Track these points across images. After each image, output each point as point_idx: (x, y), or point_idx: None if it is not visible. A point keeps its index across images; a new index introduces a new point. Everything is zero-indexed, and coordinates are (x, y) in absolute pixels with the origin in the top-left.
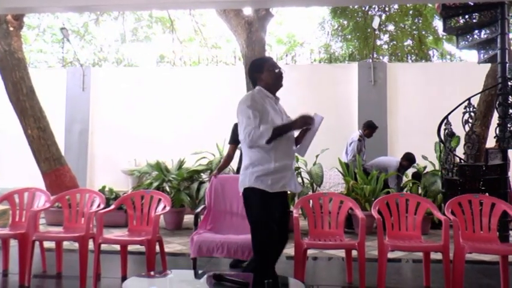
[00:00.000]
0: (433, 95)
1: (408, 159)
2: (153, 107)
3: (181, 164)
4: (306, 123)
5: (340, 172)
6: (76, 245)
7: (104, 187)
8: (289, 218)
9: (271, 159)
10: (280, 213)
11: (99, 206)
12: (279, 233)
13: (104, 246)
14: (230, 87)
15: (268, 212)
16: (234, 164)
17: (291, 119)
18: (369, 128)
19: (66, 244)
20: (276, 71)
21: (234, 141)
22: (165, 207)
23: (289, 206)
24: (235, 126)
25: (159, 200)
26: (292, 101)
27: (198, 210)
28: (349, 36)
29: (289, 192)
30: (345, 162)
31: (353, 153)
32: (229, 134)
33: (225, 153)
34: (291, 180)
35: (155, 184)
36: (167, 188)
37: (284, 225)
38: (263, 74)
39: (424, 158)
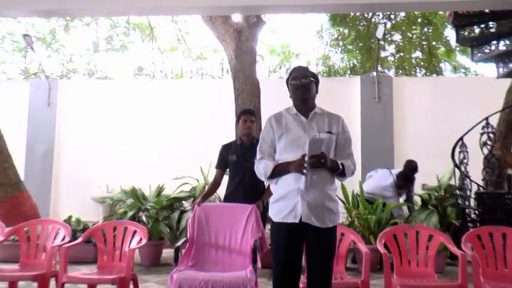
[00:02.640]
0: (445, 114)
1: (405, 176)
2: (129, 125)
3: (160, 190)
4: (301, 166)
5: (341, 200)
6: (35, 285)
7: (70, 217)
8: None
9: (277, 183)
10: (311, 254)
11: (63, 239)
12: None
13: (68, 286)
14: (217, 103)
15: (277, 247)
16: (221, 191)
17: (327, 137)
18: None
19: (22, 285)
20: (293, 82)
21: (222, 165)
22: (140, 240)
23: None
24: (224, 148)
25: (134, 231)
26: None
27: (179, 243)
28: (351, 47)
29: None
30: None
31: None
32: (215, 157)
33: (210, 178)
34: (296, 209)
35: (130, 213)
36: (144, 218)
37: (316, 273)
38: (289, 89)
39: (437, 185)
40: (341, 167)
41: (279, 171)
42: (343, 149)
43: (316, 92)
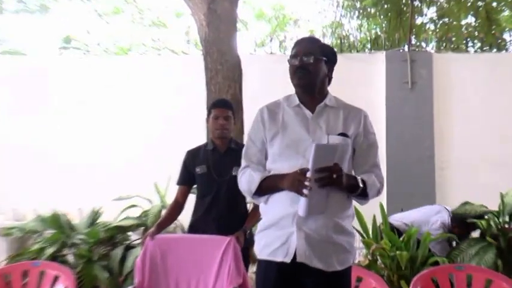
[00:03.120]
0: (509, 105)
1: (463, 224)
2: (48, 122)
3: (95, 216)
4: (300, 185)
5: (357, 231)
6: None
7: None
8: None
9: (268, 203)
10: None
11: None
12: None
13: None
14: (180, 89)
15: None
16: (185, 217)
17: (340, 142)
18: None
19: None
20: (291, 62)
21: (186, 180)
22: None
23: None
24: (189, 155)
25: (55, 278)
26: None
27: None
28: (373, 10)
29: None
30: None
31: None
32: (177, 169)
33: (169, 199)
34: (290, 242)
35: (50, 251)
36: (70, 258)
37: None
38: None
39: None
40: (362, 185)
41: (268, 186)
42: (365, 159)
43: (329, 76)
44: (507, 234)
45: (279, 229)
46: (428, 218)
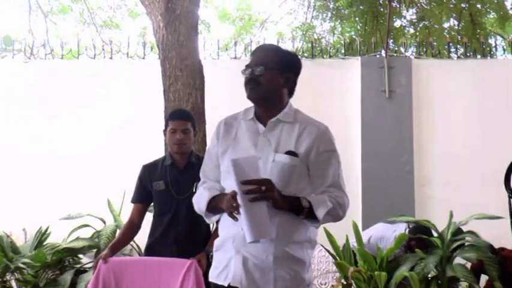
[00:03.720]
0: (494, 117)
1: (420, 235)
2: None
3: (42, 237)
4: (231, 207)
5: (330, 253)
6: None
7: None
8: None
9: (220, 223)
10: None
11: None
12: None
13: None
14: (135, 98)
15: None
16: (141, 238)
17: (285, 162)
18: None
19: None
20: (243, 73)
21: (142, 197)
22: None
23: None
24: (145, 170)
25: None
26: None
27: None
28: (347, 12)
29: None
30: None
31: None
32: (132, 185)
33: (124, 218)
34: (229, 267)
35: None
36: (14, 284)
37: None
38: None
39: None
40: (306, 205)
41: (214, 206)
42: (321, 179)
43: (288, 86)
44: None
45: (223, 252)
46: (383, 234)
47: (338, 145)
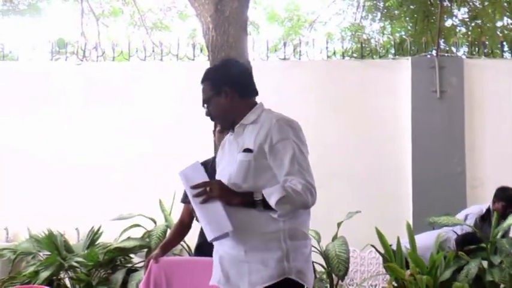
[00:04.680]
0: None
1: (468, 247)
2: (42, 133)
3: (94, 236)
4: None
5: (380, 253)
6: None
7: None
8: None
9: None
10: None
11: None
12: None
13: None
14: (186, 99)
15: None
16: (191, 239)
17: (241, 159)
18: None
19: None
20: None
21: None
22: None
23: None
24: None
25: None
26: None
27: None
28: (397, 12)
29: None
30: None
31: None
32: (182, 185)
33: (175, 218)
34: (215, 270)
35: (45, 274)
36: (67, 282)
37: None
38: None
39: None
40: (258, 197)
41: None
42: (279, 169)
43: (232, 99)
44: None
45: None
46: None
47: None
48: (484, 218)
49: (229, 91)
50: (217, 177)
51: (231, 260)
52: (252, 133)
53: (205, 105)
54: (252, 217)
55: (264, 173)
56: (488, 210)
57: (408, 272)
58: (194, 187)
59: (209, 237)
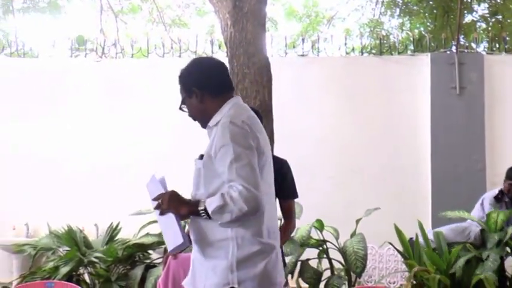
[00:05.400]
0: None
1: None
2: (61, 130)
3: (113, 232)
4: None
5: (398, 251)
6: None
7: None
8: None
9: None
10: None
11: None
12: None
13: None
14: None
15: None
16: None
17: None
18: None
19: None
20: None
21: None
22: None
23: None
24: None
25: None
26: (312, 120)
27: None
28: (416, 7)
29: None
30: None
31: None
32: None
33: None
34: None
35: (65, 270)
36: (87, 278)
37: None
38: None
39: None
40: (201, 207)
41: None
42: (223, 175)
43: (203, 99)
44: None
45: None
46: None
47: (407, 140)
48: (498, 198)
49: (198, 92)
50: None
51: (197, 262)
52: (211, 137)
53: (182, 106)
54: (202, 226)
55: (214, 180)
56: (501, 190)
57: (416, 268)
58: (154, 199)
59: (168, 249)
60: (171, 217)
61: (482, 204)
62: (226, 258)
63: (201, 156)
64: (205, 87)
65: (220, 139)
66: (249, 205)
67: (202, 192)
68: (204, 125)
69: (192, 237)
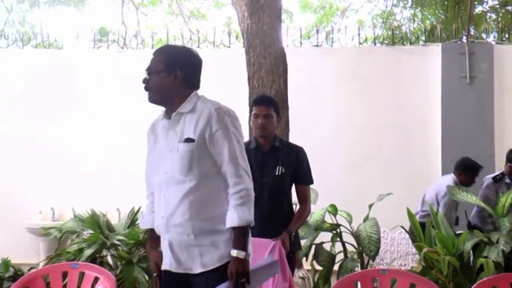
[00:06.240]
0: None
1: (466, 167)
2: (85, 118)
3: (134, 216)
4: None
5: (409, 233)
6: None
7: None
8: None
9: None
10: None
11: None
12: None
13: None
14: (222, 84)
15: None
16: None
17: (186, 149)
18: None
19: None
20: None
21: None
22: None
23: None
24: None
25: (96, 279)
26: (326, 109)
27: None
28: None
29: None
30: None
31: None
32: None
33: None
34: (165, 255)
35: (88, 252)
36: (109, 260)
37: None
38: None
39: None
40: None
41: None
42: (220, 157)
43: (179, 83)
44: None
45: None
46: (437, 190)
47: (418, 129)
48: (497, 179)
49: (180, 76)
50: (158, 162)
51: (180, 245)
52: (191, 123)
53: (147, 72)
54: (201, 201)
55: (206, 161)
56: (502, 172)
57: (425, 249)
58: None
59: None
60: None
61: (482, 184)
62: (228, 231)
63: (188, 139)
64: (187, 75)
65: (218, 123)
66: (245, 191)
67: (195, 173)
68: (156, 100)
69: (183, 219)
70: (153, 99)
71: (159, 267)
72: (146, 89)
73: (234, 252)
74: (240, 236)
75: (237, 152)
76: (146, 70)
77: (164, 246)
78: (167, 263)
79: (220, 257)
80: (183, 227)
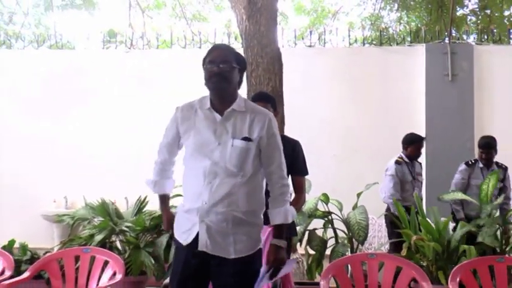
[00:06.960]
0: None
1: (408, 141)
2: (96, 113)
3: (141, 204)
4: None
5: (397, 220)
6: None
7: (11, 242)
8: None
9: (183, 194)
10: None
11: (2, 272)
12: None
13: None
14: None
15: (174, 271)
16: None
17: (243, 146)
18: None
19: None
20: (208, 67)
21: None
22: (114, 275)
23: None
24: None
25: (105, 263)
26: (318, 105)
27: (168, 280)
28: (413, 3)
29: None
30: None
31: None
32: None
33: None
34: (191, 232)
35: (99, 237)
36: (118, 244)
37: None
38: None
39: None
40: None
41: (162, 201)
42: (270, 159)
43: (240, 82)
44: None
45: (187, 218)
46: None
47: (404, 123)
48: (469, 164)
49: (241, 77)
50: (201, 149)
51: (218, 230)
52: (244, 122)
53: (223, 66)
54: (246, 196)
55: (255, 159)
56: (475, 159)
57: (414, 237)
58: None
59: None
60: None
61: (459, 169)
62: (260, 224)
63: (245, 138)
64: (242, 78)
65: (272, 130)
66: (287, 188)
67: (247, 169)
68: (221, 92)
69: (228, 209)
70: (222, 87)
71: (172, 225)
72: (219, 74)
73: (276, 242)
74: (283, 229)
75: (282, 157)
76: (225, 62)
77: (196, 228)
78: (203, 245)
79: (253, 246)
80: (224, 215)
